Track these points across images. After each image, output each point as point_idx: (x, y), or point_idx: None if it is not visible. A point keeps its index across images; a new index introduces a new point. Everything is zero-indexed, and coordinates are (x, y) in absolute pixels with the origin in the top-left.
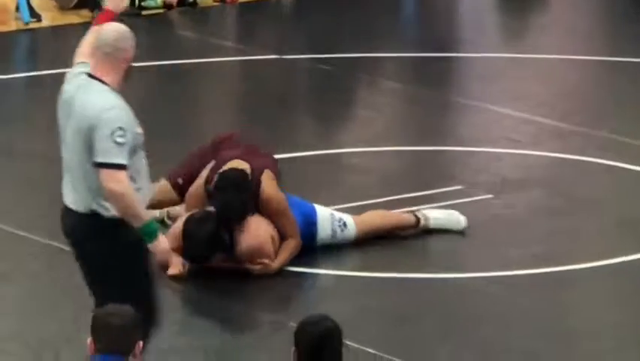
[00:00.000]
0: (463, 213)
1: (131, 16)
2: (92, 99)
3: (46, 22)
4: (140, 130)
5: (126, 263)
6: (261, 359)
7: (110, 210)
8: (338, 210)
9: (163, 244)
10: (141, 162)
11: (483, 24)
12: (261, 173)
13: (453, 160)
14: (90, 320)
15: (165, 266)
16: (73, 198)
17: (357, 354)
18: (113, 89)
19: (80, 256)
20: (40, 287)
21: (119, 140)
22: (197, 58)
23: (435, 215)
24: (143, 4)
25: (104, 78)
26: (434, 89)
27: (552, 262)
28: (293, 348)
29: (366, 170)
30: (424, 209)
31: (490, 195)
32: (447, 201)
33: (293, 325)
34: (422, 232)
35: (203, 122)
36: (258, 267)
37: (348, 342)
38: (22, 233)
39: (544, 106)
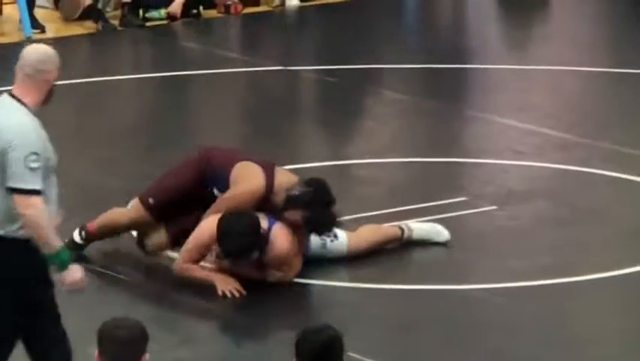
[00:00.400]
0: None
1: (135, 27)
2: (8, 121)
3: (50, 34)
4: (53, 155)
5: (24, 288)
6: None
7: (17, 233)
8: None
9: (74, 273)
10: (51, 187)
11: (487, 35)
12: None
13: (458, 171)
14: (95, 332)
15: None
16: None
17: None
18: (32, 110)
19: None
20: None
21: (33, 165)
22: (201, 69)
23: (418, 226)
24: (147, 15)
25: (24, 99)
26: (439, 100)
27: (557, 273)
28: (294, 359)
29: (372, 181)
30: (409, 222)
31: (495, 207)
32: (452, 212)
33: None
34: (407, 244)
35: (208, 133)
36: (279, 274)
37: (350, 353)
38: None
39: (548, 117)
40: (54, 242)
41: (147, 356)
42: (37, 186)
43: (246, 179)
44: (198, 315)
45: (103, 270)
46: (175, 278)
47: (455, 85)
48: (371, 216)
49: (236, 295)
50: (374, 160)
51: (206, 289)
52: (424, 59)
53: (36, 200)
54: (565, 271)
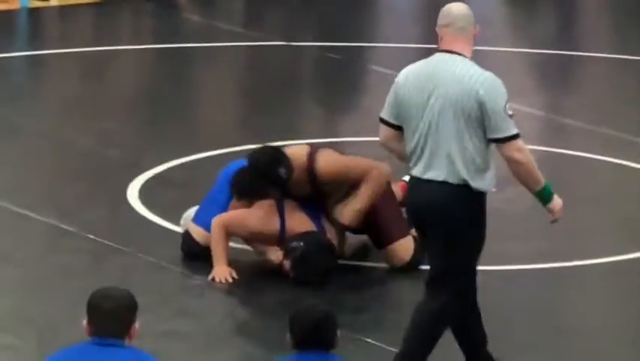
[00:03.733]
0: None
1: None
2: (471, 73)
3: (53, 2)
4: None
5: (476, 233)
6: (264, 341)
7: (478, 182)
8: None
9: (558, 202)
10: None
11: (490, 17)
12: None
13: None
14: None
15: None
16: (441, 171)
17: (355, 343)
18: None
19: (438, 228)
20: (42, 267)
21: (510, 112)
22: (203, 42)
23: None
24: None
25: (464, 53)
26: None
27: (553, 258)
28: (288, 334)
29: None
30: None
31: (492, 189)
32: None
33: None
34: None
35: (208, 106)
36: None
37: (344, 331)
38: (26, 212)
39: (549, 102)
40: (542, 178)
41: (137, 325)
42: (517, 130)
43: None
44: (194, 287)
45: (98, 239)
46: (172, 250)
47: None
48: None
49: (225, 281)
50: (372, 138)
51: (202, 262)
52: (427, 39)
53: (521, 143)
54: (561, 255)
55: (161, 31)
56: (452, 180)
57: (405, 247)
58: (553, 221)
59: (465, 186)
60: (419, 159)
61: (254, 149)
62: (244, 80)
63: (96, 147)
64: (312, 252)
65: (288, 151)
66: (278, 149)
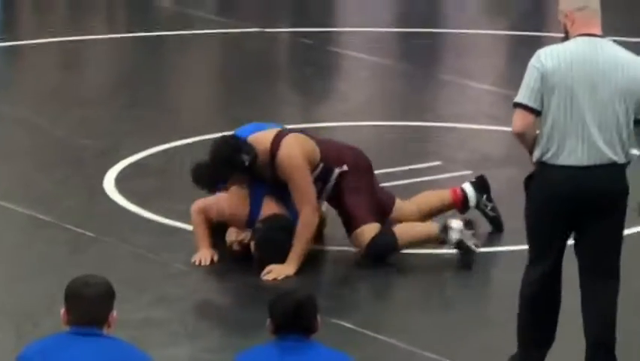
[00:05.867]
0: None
1: None
2: (632, 58)
3: None
4: None
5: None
6: (243, 328)
7: (625, 159)
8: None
9: None
10: None
11: (466, 0)
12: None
13: (432, 136)
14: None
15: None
16: (609, 155)
17: (335, 328)
18: None
19: (617, 211)
20: (19, 258)
21: None
22: (177, 30)
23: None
24: None
25: (600, 34)
26: (415, 64)
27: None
28: (268, 319)
29: None
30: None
31: (468, 171)
32: (426, 176)
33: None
34: None
35: (184, 94)
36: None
37: (327, 317)
38: (2, 202)
39: None
40: None
41: (115, 313)
42: None
43: None
44: (172, 275)
45: (75, 228)
46: (149, 238)
47: (431, 49)
48: None
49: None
50: (348, 123)
51: (180, 250)
52: (401, 23)
53: None
54: None
55: (133, 19)
56: (620, 160)
57: (368, 231)
58: None
59: (623, 165)
60: (577, 145)
61: (214, 140)
62: (219, 66)
63: (72, 135)
64: (272, 232)
65: (253, 136)
66: (236, 137)
